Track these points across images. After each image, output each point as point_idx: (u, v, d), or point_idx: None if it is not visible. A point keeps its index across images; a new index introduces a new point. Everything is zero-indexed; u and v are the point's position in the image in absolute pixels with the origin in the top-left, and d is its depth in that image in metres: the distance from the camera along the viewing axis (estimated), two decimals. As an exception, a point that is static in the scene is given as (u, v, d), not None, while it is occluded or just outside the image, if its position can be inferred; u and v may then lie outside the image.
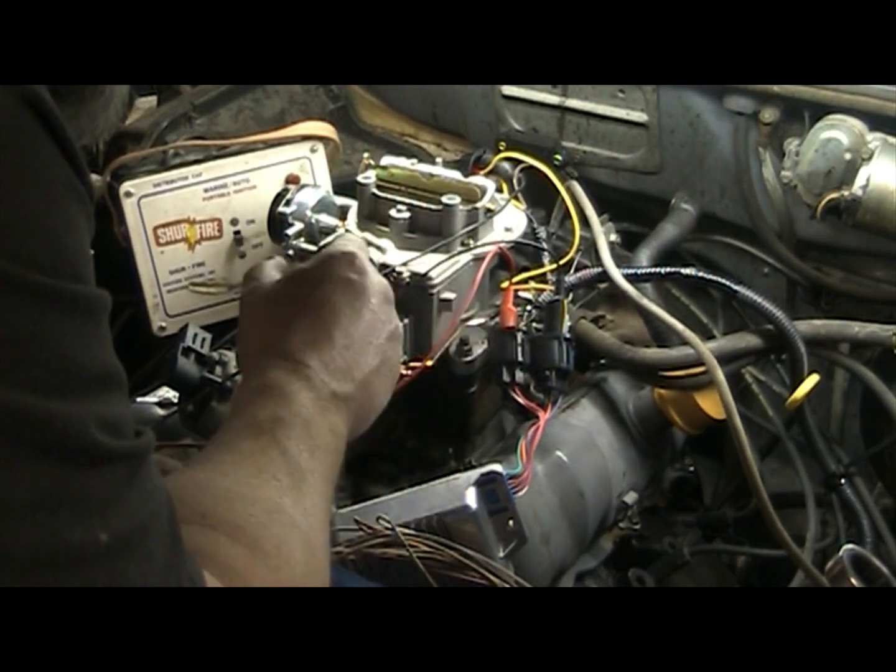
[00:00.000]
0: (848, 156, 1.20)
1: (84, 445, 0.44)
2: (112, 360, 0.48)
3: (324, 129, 1.43)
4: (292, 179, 1.35)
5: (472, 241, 1.11)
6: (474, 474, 0.97)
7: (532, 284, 1.16)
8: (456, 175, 1.17)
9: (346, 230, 1.14)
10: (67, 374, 0.45)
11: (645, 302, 1.16)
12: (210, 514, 0.61)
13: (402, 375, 1.04)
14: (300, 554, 0.63)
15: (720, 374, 1.06)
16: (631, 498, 1.21)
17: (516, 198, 1.26)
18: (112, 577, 0.45)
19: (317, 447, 0.71)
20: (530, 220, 1.21)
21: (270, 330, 0.78)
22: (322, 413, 0.73)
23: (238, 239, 1.35)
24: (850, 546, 0.92)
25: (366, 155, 1.26)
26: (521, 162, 1.36)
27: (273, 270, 0.86)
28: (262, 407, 0.72)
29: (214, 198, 1.34)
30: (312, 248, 1.18)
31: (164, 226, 1.31)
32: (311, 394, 0.73)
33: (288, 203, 1.25)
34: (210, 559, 0.57)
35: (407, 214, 1.12)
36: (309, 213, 1.23)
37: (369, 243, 1.11)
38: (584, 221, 1.31)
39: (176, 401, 1.16)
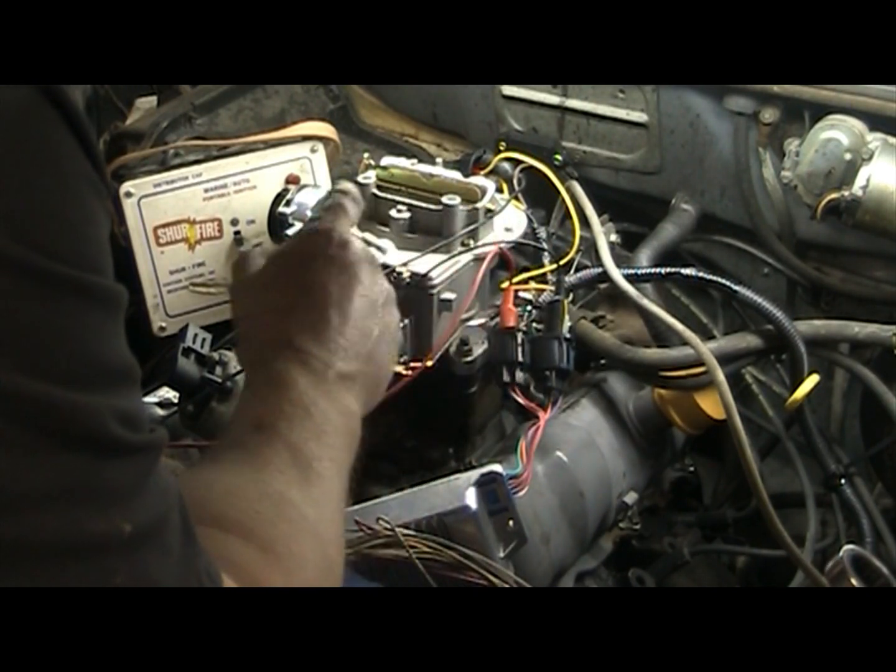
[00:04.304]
0: (848, 156, 1.20)
1: (104, 438, 0.45)
2: (129, 355, 0.48)
3: (324, 129, 1.43)
4: (292, 179, 1.35)
5: (472, 242, 1.10)
6: (474, 474, 0.97)
7: (532, 284, 1.16)
8: (456, 175, 1.17)
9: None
10: (88, 365, 0.45)
11: (645, 302, 1.16)
12: (220, 516, 0.61)
13: (402, 376, 1.04)
14: (311, 552, 0.62)
15: (720, 375, 1.06)
16: (631, 498, 1.21)
17: (516, 198, 1.25)
18: (132, 567, 0.45)
19: (323, 432, 0.69)
20: (530, 221, 1.20)
21: (266, 320, 0.77)
22: (327, 396, 0.72)
23: (238, 239, 1.35)
24: (850, 546, 0.92)
25: (366, 155, 1.26)
26: (521, 162, 1.36)
27: (259, 258, 0.84)
28: (265, 400, 0.71)
29: (214, 198, 1.33)
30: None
31: (164, 226, 1.31)
32: (313, 378, 0.72)
33: (288, 203, 1.25)
34: (226, 561, 0.56)
35: (407, 214, 1.12)
36: (309, 213, 1.23)
37: (369, 243, 1.11)
38: (584, 221, 1.31)
39: (176, 401, 1.16)
